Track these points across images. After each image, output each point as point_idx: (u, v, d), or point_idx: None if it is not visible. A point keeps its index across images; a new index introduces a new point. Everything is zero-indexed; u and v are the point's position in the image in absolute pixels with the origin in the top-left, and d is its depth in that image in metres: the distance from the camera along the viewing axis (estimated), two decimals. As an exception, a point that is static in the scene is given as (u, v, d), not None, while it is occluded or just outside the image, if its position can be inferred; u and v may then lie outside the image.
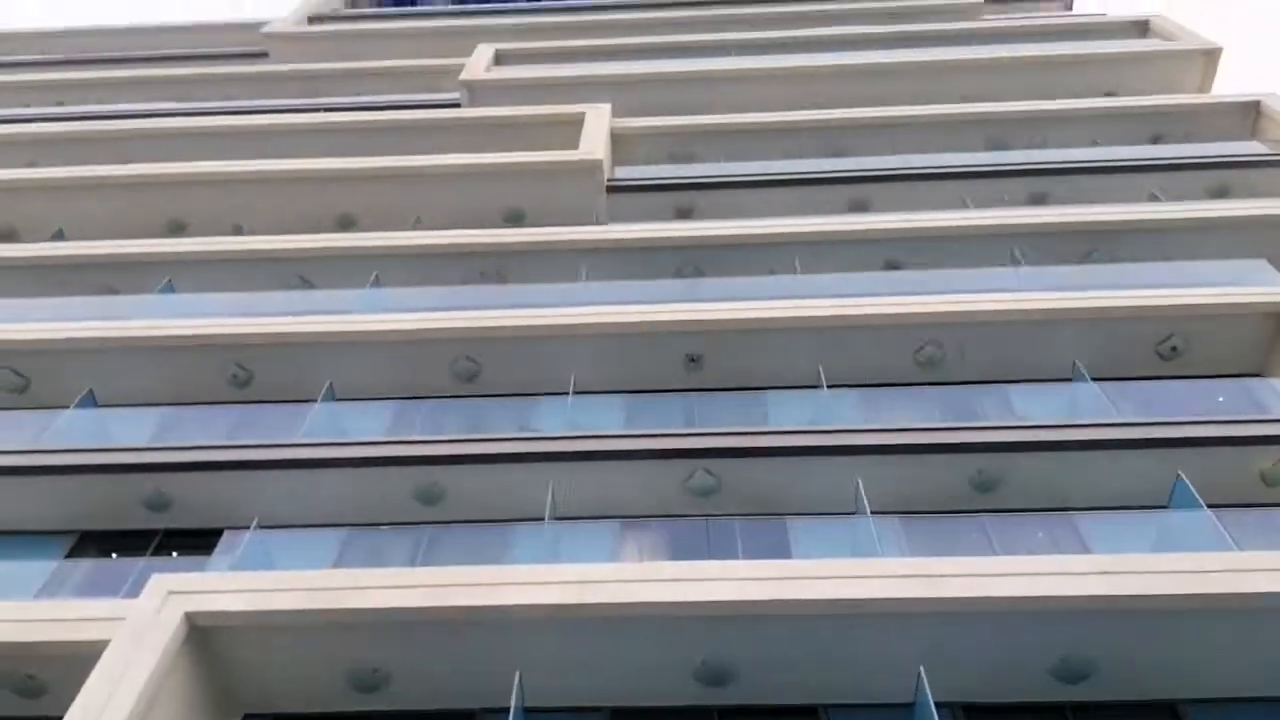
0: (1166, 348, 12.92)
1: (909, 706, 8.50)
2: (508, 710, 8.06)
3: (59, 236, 17.84)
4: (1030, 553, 9.84)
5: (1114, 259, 14.90)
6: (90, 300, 14.95)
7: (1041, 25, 25.26)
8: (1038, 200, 17.15)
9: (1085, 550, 9.98)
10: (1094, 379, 12.28)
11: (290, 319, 13.63)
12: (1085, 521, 10.32)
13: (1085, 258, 15.14)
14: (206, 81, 25.19)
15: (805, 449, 11.22)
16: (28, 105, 24.25)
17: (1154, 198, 16.47)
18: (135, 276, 15.74)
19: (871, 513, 10.17)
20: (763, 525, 10.76)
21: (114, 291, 15.58)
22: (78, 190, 18.12)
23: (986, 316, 12.90)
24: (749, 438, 11.39)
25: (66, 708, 7.88)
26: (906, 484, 11.12)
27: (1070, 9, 29.47)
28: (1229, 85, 21.69)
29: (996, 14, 27.38)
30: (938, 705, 7.98)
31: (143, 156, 19.65)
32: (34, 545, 11.31)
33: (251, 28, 29.06)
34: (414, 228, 17.18)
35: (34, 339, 13.42)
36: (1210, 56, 21.69)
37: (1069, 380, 12.64)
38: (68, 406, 12.80)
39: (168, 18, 30.97)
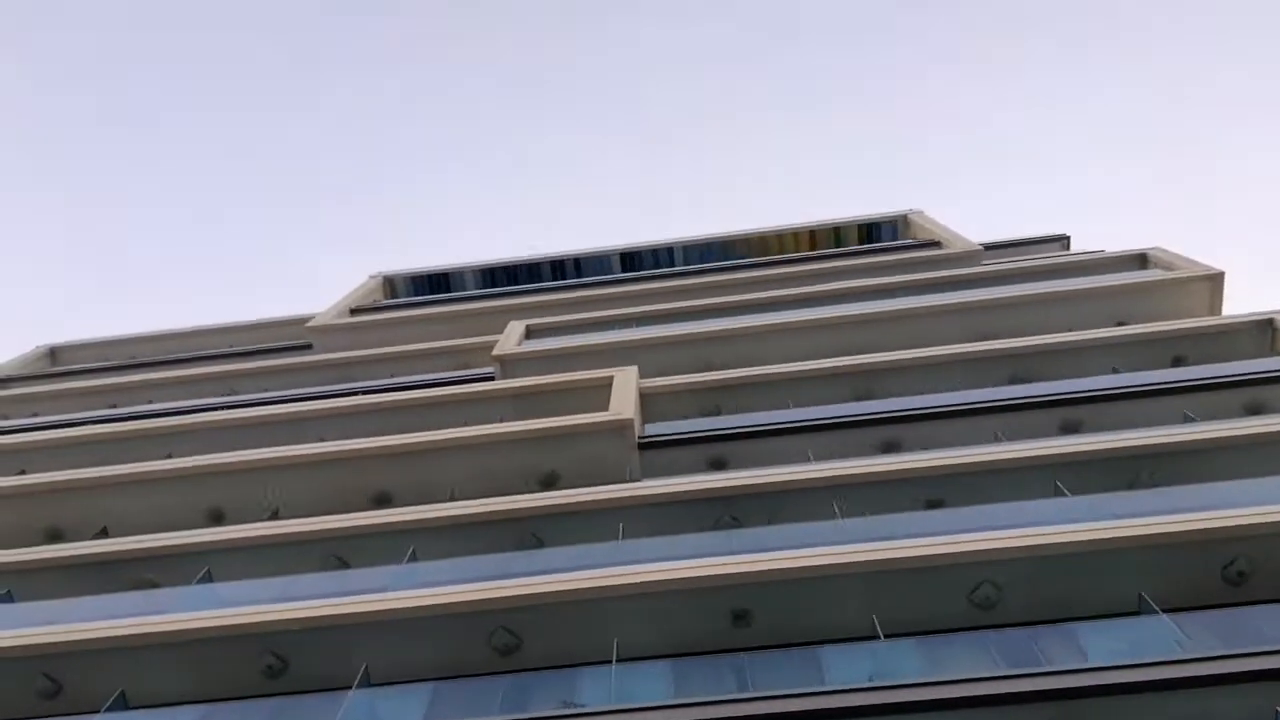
0: (1233, 571, 12.31)
1: None
2: None
3: (102, 534, 18.09)
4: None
5: (1159, 483, 14.59)
6: (125, 597, 14.87)
7: (1043, 265, 26.41)
8: (1070, 430, 17.11)
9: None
10: (1162, 610, 11.62)
11: (322, 602, 13.40)
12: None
13: (1131, 484, 14.84)
14: (251, 375, 26.52)
15: (869, 709, 10.48)
16: (86, 410, 25.51)
17: (1187, 419, 16.39)
18: (174, 568, 15.75)
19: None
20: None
21: (153, 585, 15.53)
22: (119, 487, 18.58)
23: (1042, 550, 12.45)
24: (808, 699, 10.68)
25: None
26: (982, 740, 10.27)
27: (1068, 249, 30.89)
28: (1232, 305, 22.16)
29: (996, 259, 28.76)
30: None
31: (186, 451, 20.32)
32: None
33: (297, 323, 31.02)
34: (449, 499, 17.30)
35: (66, 641, 13.20)
36: (1214, 281, 22.44)
37: (1136, 614, 11.97)
38: (99, 710, 12.37)
39: (223, 318, 33.03)
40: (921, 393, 18.66)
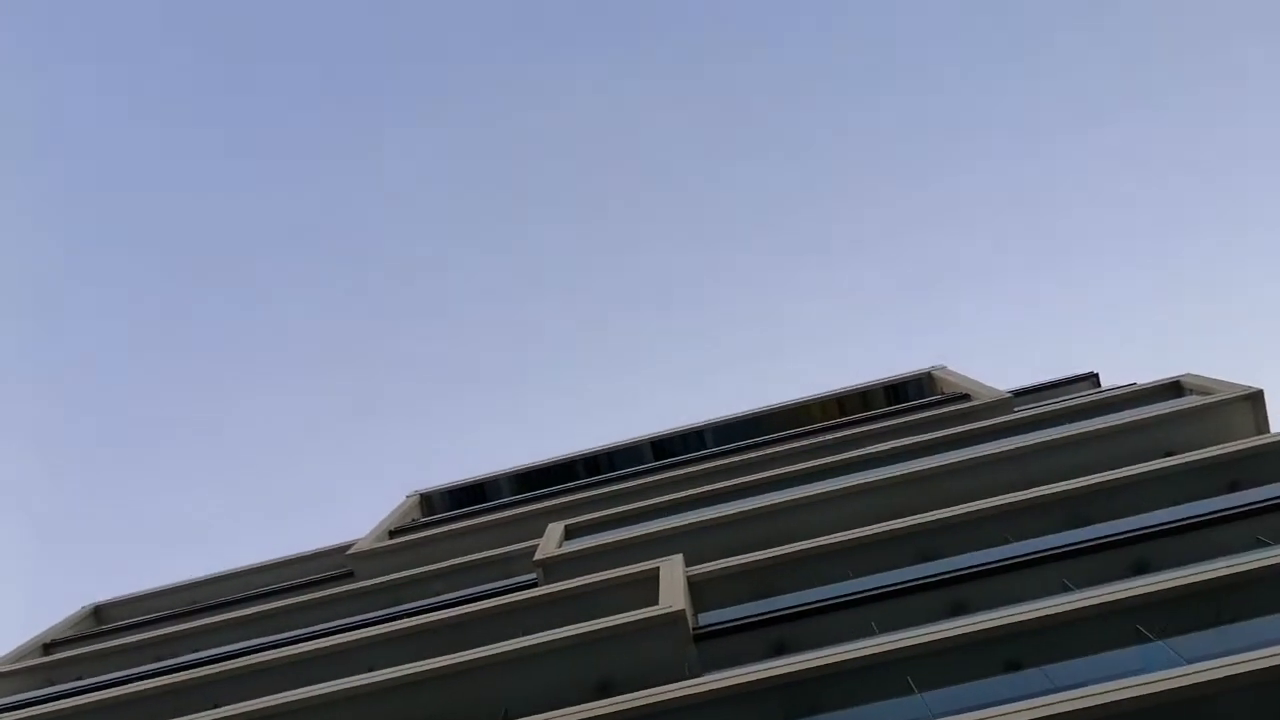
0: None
1: None
2: None
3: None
4: None
5: (1246, 615, 13.77)
6: None
7: (1076, 406, 26.15)
8: (1140, 569, 16.37)
9: None
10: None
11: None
12: None
13: (1216, 619, 14.01)
14: (294, 611, 26.14)
15: None
16: (132, 666, 25.07)
17: (1261, 543, 15.67)
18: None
19: None
20: None
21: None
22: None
23: (1143, 703, 11.57)
24: None
25: None
26: None
27: (1098, 385, 30.71)
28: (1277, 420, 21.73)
29: (1028, 405, 28.57)
30: None
31: (234, 697, 19.73)
32: None
33: (337, 551, 30.92)
34: (504, 719, 16.53)
35: None
36: (1254, 399, 22.11)
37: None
38: None
39: (258, 558, 33.02)
40: (980, 548, 18.04)
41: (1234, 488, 18.54)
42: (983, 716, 11.98)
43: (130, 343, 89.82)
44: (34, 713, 20.93)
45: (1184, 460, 19.64)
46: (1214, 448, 19.92)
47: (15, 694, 24.79)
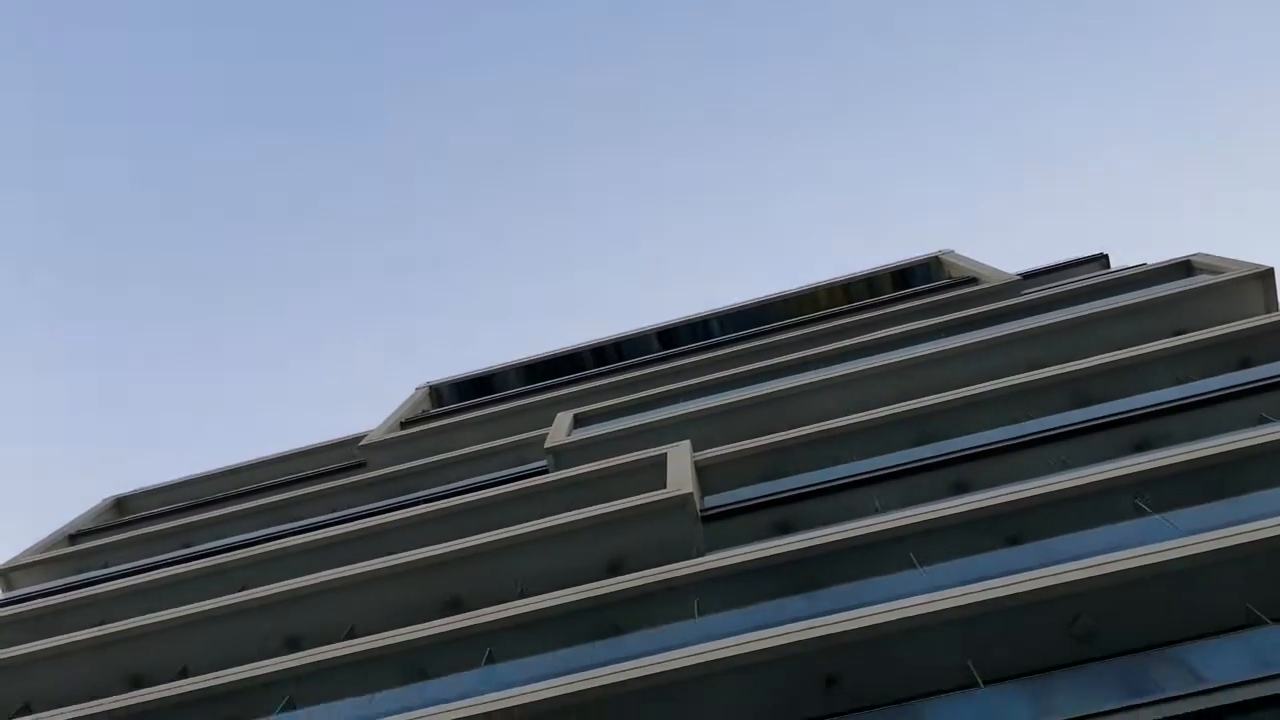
0: (1345, 570, 11.65)
1: None
2: None
3: (183, 674, 18.12)
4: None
5: (1246, 490, 13.97)
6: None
7: (1086, 287, 25.96)
8: (1143, 448, 16.56)
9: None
10: (1271, 620, 11.01)
11: (404, 716, 13.22)
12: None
13: (1215, 494, 14.25)
14: (312, 500, 26.76)
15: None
16: (157, 554, 25.86)
17: (1265, 420, 15.80)
18: (255, 700, 15.65)
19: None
20: None
21: None
22: (195, 626, 18.68)
23: (1137, 574, 11.93)
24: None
25: None
26: (1108, 781, 9.69)
27: (1107, 267, 30.43)
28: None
29: (1036, 287, 28.38)
30: None
31: (258, 581, 20.42)
32: None
33: (350, 442, 31.40)
34: (519, 598, 17.11)
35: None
36: (1265, 278, 21.90)
37: (1245, 628, 11.35)
38: None
39: (277, 447, 33.61)
40: (984, 430, 18.23)
41: (1242, 366, 18.54)
42: (984, 587, 12.33)
43: (135, 239, 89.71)
44: (68, 599, 21.75)
45: (1191, 339, 19.61)
46: (1222, 326, 19.85)
47: (46, 582, 25.69)
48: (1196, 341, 19.41)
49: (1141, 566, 11.95)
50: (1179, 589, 11.89)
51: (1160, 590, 11.90)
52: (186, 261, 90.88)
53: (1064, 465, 16.25)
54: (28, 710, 18.31)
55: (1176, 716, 9.71)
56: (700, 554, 16.88)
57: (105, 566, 25.91)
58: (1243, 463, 14.37)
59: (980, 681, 11.43)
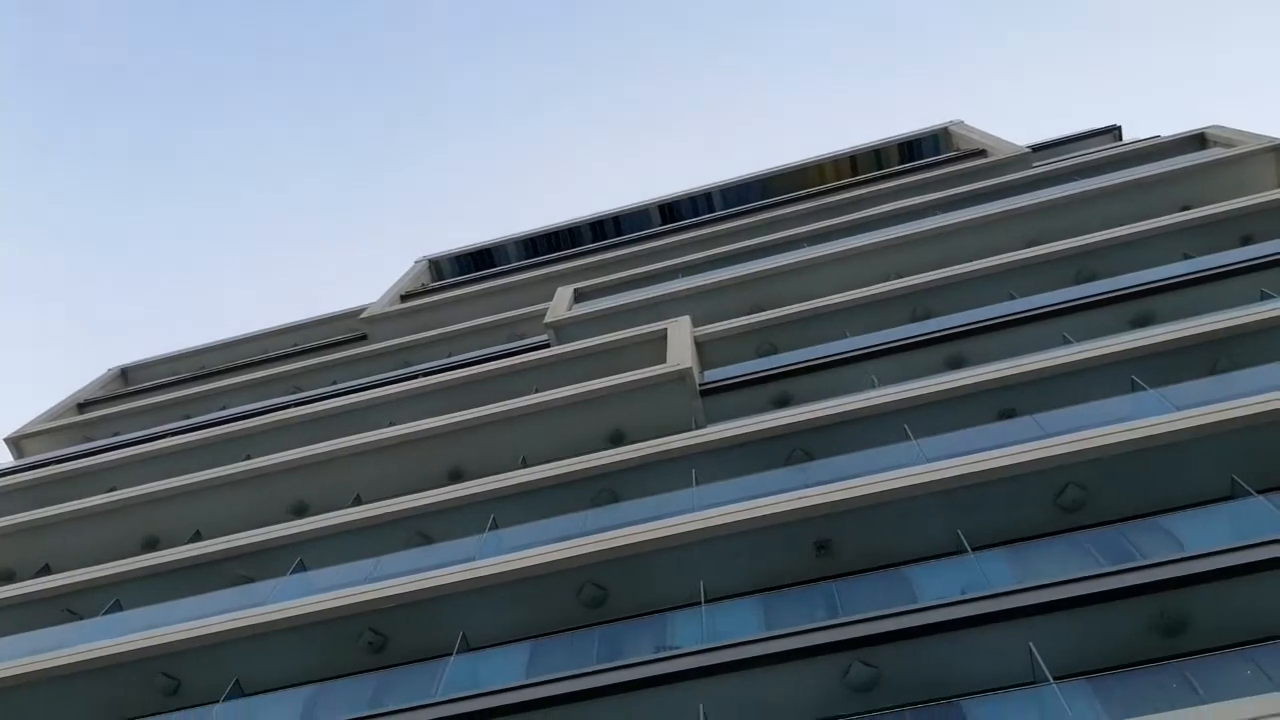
0: (1330, 444, 11.88)
1: None
2: None
3: (196, 538, 18.73)
4: (1242, 693, 8.67)
5: (1241, 366, 14.11)
6: (226, 593, 15.38)
7: (1095, 160, 25.49)
8: (1143, 323, 16.61)
9: (1311, 682, 8.78)
10: (1257, 491, 11.29)
11: (414, 577, 13.72)
12: (1301, 648, 9.15)
13: (1211, 370, 14.40)
14: (314, 371, 27.04)
15: (965, 620, 10.42)
16: (164, 423, 26.32)
17: (1265, 297, 15.78)
18: (267, 562, 16.24)
19: (1055, 679, 9.22)
20: (937, 711, 9.88)
21: (249, 580, 16.04)
22: (207, 492, 19.19)
23: (1125, 446, 12.16)
24: (901, 618, 10.66)
25: None
26: (1085, 640, 10.15)
27: (1120, 139, 29.79)
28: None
29: (1047, 160, 27.85)
30: None
31: (264, 450, 20.86)
32: None
33: (351, 315, 31.49)
34: (521, 468, 17.50)
35: (179, 640, 13.73)
36: (1279, 152, 21.43)
37: (1229, 499, 11.66)
38: (217, 700, 12.90)
39: (278, 319, 33.71)
40: (983, 305, 18.24)
41: (1247, 242, 18.40)
42: (975, 459, 12.60)
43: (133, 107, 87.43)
44: (79, 465, 22.25)
45: (1198, 214, 19.37)
46: (1229, 201, 19.58)
47: (55, 450, 26.24)
48: (1201, 217, 19.17)
49: (1130, 440, 12.17)
50: (1166, 462, 12.15)
51: (1148, 463, 12.16)
52: (185, 131, 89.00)
53: (1063, 341, 16.33)
54: (48, 570, 19.04)
55: (1154, 582, 10.06)
56: (699, 427, 17.19)
57: (114, 435, 26.41)
58: (1239, 339, 14.43)
59: (968, 548, 11.81)
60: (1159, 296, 16.70)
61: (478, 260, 34.83)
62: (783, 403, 17.59)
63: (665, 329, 20.12)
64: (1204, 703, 8.57)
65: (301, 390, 26.03)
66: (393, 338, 27.79)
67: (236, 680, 13.17)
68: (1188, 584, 10.10)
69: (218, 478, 19.22)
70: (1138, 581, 10.17)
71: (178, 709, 13.33)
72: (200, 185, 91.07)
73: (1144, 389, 13.80)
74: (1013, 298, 18.52)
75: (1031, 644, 9.76)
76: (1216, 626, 10.00)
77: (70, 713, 13.77)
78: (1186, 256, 18.29)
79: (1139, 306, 16.72)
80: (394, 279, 33.74)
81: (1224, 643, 9.89)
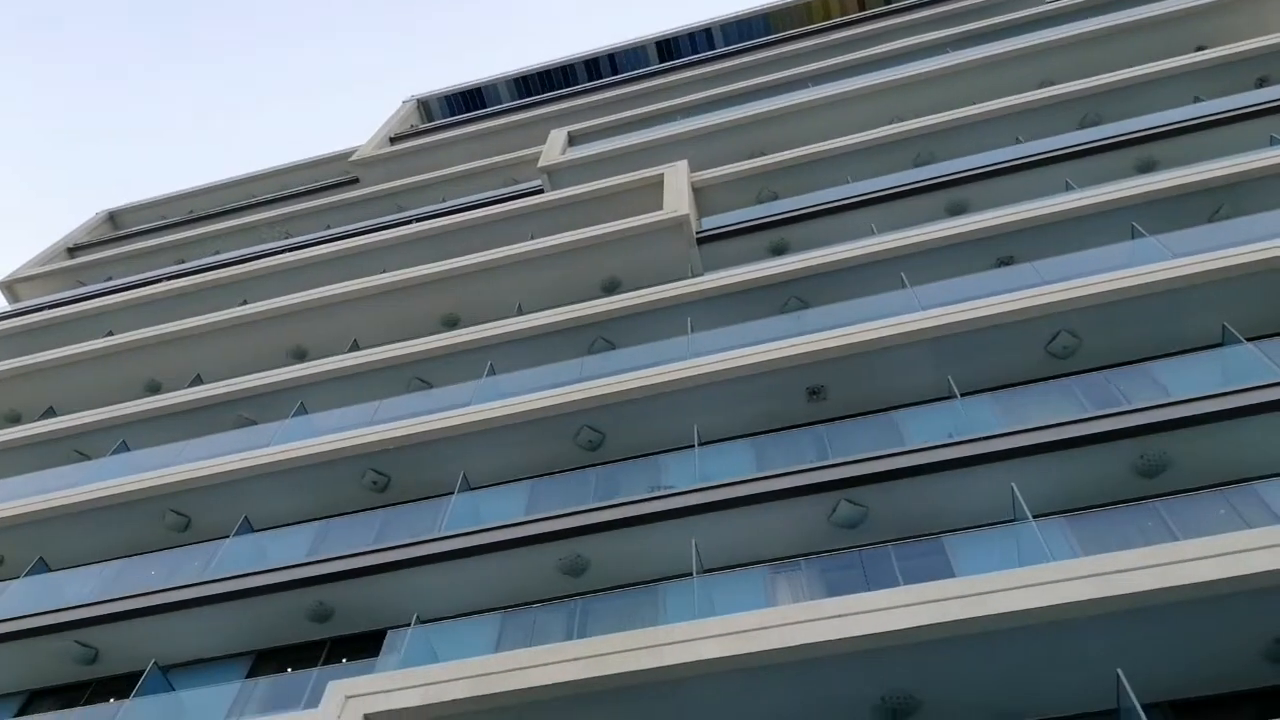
0: (1323, 293, 11.93)
1: (1113, 713, 7.87)
2: (690, 772, 7.83)
3: (197, 382, 18.99)
4: (1216, 532, 9.06)
5: (1244, 213, 13.97)
6: (232, 435, 15.75)
7: (1111, -5, 24.36)
8: (1147, 169, 16.36)
9: (1276, 520, 9.17)
10: (1248, 340, 11.43)
11: (416, 419, 14.01)
12: (1271, 489, 9.50)
13: (1213, 216, 14.28)
14: (306, 216, 26.71)
15: (951, 462, 10.75)
16: (156, 268, 26.18)
17: (1275, 142, 15.46)
18: (270, 405, 16.55)
19: (1034, 517, 9.62)
20: (919, 548, 10.32)
21: (252, 422, 16.39)
22: (206, 336, 19.31)
23: (1118, 294, 12.19)
24: (888, 460, 10.99)
25: (264, 823, 8.07)
26: (1066, 482, 10.52)
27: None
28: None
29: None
30: (1145, 707, 7.36)
31: (260, 295, 20.86)
32: (218, 671, 11.81)
33: (341, 158, 30.82)
34: (517, 315, 17.58)
35: (189, 479, 14.16)
36: (1300, -11, 20.51)
37: (1219, 346, 11.81)
38: (227, 535, 13.43)
39: (265, 163, 32.99)
40: (986, 150, 17.88)
41: (1262, 85, 17.87)
42: (968, 307, 12.67)
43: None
44: (76, 310, 22.28)
45: (1212, 55, 18.70)
46: (1245, 41, 18.88)
47: (49, 294, 26.20)
48: (1215, 58, 18.52)
49: (1123, 288, 12.21)
50: (1159, 309, 12.22)
51: (1140, 310, 12.24)
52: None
53: (1066, 187, 16.11)
54: (52, 413, 19.40)
55: (1136, 427, 10.33)
56: (696, 275, 17.16)
57: (107, 280, 26.32)
58: (1243, 185, 14.24)
59: (957, 394, 12.05)
60: (1166, 141, 16.35)
61: (468, 100, 33.78)
62: (780, 250, 17.52)
63: (662, 174, 19.76)
64: (1178, 540, 8.95)
65: (293, 235, 25.79)
66: (384, 182, 27.30)
67: (245, 517, 13.67)
68: (1169, 428, 10.36)
69: (215, 323, 19.30)
70: (1120, 426, 10.42)
71: (194, 543, 13.87)
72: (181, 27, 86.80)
73: (1144, 236, 13.72)
74: (1018, 142, 18.17)
75: (1014, 485, 10.10)
76: (1195, 469, 10.34)
77: (85, 547, 14.34)
78: (1197, 100, 17.81)
79: (1144, 151, 16.41)
80: (382, 121, 32.81)
81: (1201, 484, 10.26)
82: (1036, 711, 8.30)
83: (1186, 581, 7.87)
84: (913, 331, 12.67)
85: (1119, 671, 7.69)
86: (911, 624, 8.15)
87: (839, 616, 8.43)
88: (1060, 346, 12.38)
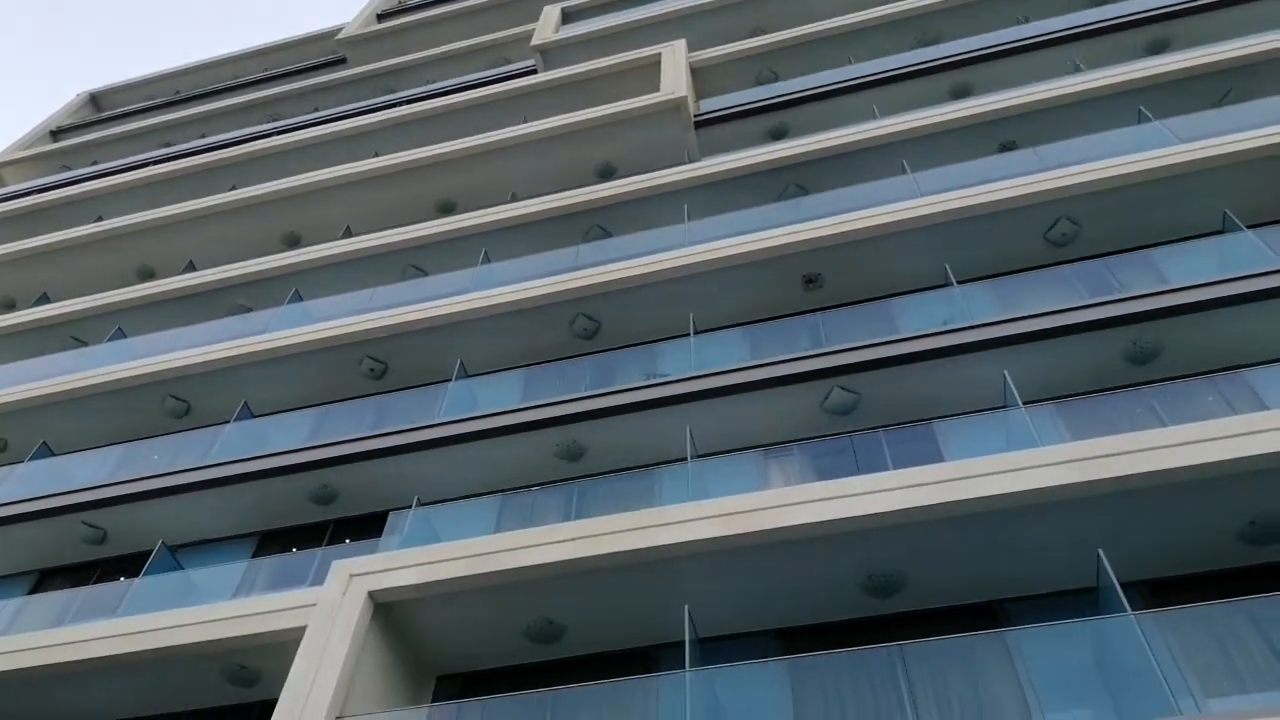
0: (1325, 180, 11.78)
1: (1091, 591, 8.16)
2: (681, 644, 8.16)
3: (190, 268, 18.88)
4: (1203, 418, 9.20)
5: (1254, 96, 13.65)
6: (227, 322, 15.76)
7: None
8: (1159, 50, 15.90)
9: (1263, 407, 9.30)
10: (1248, 227, 11.34)
11: (411, 307, 13.99)
12: (1260, 376, 9.60)
13: (1220, 101, 13.96)
14: (293, 98, 26.04)
15: (944, 350, 10.81)
16: (141, 152, 25.67)
17: (1290, 22, 15.00)
18: (264, 292, 16.51)
19: (1025, 403, 9.74)
20: (909, 434, 10.47)
21: (247, 309, 16.38)
22: (198, 222, 19.10)
23: (1119, 180, 12.03)
24: (882, 348, 11.05)
25: (279, 690, 8.45)
26: (1057, 370, 10.61)
27: None
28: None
29: None
30: (1122, 586, 7.61)
31: (250, 180, 20.53)
32: (225, 550, 12.16)
33: (327, 36, 29.84)
34: (511, 201, 17.37)
35: (187, 365, 14.23)
36: None
37: (1220, 233, 11.73)
38: (227, 421, 13.60)
39: (248, 43, 31.92)
40: (991, 31, 17.33)
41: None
42: (968, 193, 12.51)
43: None
44: (64, 194, 21.96)
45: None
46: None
47: (33, 180, 25.77)
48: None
49: (1126, 174, 12.03)
50: (1160, 196, 12.08)
51: (1142, 197, 12.10)
52: None
53: (1074, 69, 15.69)
54: (47, 299, 19.35)
55: (1130, 314, 10.35)
56: (693, 160, 16.87)
57: (93, 164, 25.85)
58: (1251, 69, 13.87)
59: (953, 281, 12.01)
60: (1178, 20, 15.85)
61: (456, -27, 32.40)
62: (780, 135, 17.19)
63: (659, 54, 19.19)
64: (1165, 426, 9.09)
65: (280, 118, 25.19)
66: (372, 62, 26.53)
67: (244, 403, 13.81)
68: (1162, 316, 10.38)
69: (207, 208, 19.07)
70: (1113, 314, 10.43)
71: (191, 428, 14.06)
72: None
73: (1150, 120, 13.44)
74: (1026, 20, 17.58)
75: (1006, 373, 10.19)
76: (1187, 356, 10.42)
77: (87, 433, 14.54)
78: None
79: (1156, 31, 15.92)
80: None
81: (1192, 371, 10.36)
82: (1017, 589, 8.60)
83: (1167, 466, 8.02)
84: (911, 218, 12.54)
85: (1099, 552, 7.92)
86: (898, 506, 8.35)
87: (828, 499, 8.63)
88: (1059, 234, 12.29)
